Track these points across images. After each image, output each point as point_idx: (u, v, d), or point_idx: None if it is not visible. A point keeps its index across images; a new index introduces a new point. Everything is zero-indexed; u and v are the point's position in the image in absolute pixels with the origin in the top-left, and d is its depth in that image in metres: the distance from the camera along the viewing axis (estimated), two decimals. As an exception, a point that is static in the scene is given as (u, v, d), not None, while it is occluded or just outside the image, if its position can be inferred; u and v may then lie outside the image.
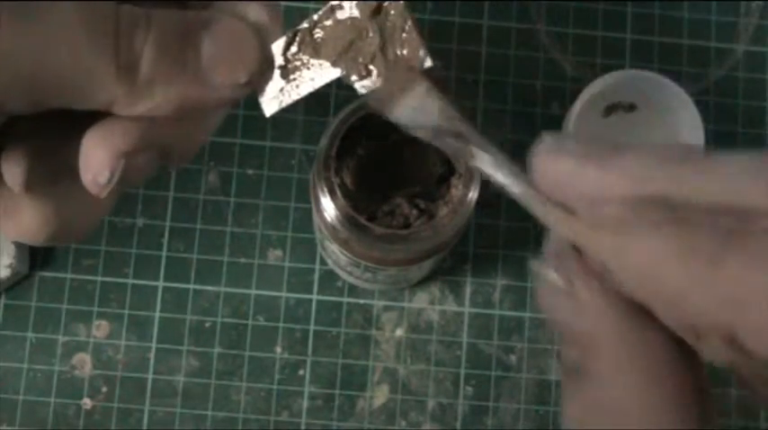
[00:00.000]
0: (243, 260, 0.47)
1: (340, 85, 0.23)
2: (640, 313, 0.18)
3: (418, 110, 0.22)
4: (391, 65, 0.22)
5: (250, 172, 0.48)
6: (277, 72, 0.22)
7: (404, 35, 0.21)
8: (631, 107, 0.48)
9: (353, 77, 0.22)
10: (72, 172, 0.20)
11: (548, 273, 0.19)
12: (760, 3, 0.51)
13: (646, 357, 0.18)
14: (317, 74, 0.22)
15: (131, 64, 0.19)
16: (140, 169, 0.21)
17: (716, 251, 0.16)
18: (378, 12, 0.21)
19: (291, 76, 0.22)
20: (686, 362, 0.18)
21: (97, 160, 0.20)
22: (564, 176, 0.19)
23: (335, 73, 0.22)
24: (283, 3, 0.49)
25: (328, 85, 0.22)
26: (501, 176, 0.21)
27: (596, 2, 0.51)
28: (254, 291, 0.47)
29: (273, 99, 0.22)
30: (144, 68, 0.19)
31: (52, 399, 0.46)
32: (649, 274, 0.17)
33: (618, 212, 0.18)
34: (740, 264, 0.16)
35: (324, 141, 0.35)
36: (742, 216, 0.16)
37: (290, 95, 0.22)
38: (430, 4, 0.50)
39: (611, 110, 0.48)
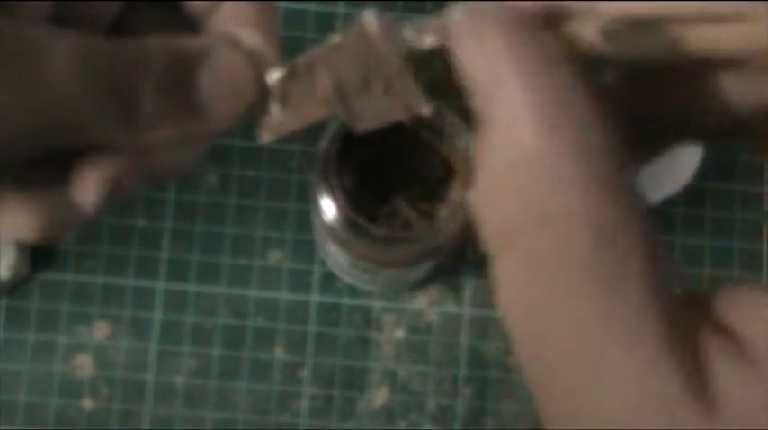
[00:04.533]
0: (243, 261, 0.47)
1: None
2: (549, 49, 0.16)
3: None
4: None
5: (250, 173, 0.48)
6: (275, 103, 0.22)
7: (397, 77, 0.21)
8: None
9: (348, 114, 0.22)
10: (64, 179, 0.21)
11: (455, 16, 0.18)
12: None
13: (548, 103, 0.16)
14: (314, 108, 0.22)
15: (130, 108, 0.19)
16: (127, 189, 0.21)
17: None
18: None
19: (288, 107, 0.22)
20: (595, 113, 0.16)
21: (87, 183, 0.20)
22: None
23: (332, 109, 0.22)
24: (283, 4, 0.49)
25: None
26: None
27: (595, 3, 0.51)
28: (253, 293, 0.47)
29: (270, 128, 0.22)
30: (144, 110, 0.19)
31: (53, 400, 0.46)
32: None
33: None
34: None
35: (324, 143, 0.35)
36: None
37: (286, 126, 0.22)
38: (429, 4, 0.50)
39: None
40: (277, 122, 0.22)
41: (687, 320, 0.15)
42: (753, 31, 0.16)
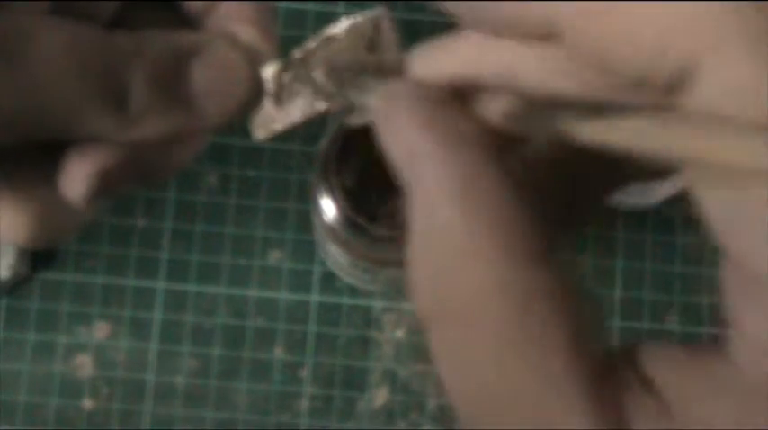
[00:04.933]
0: (243, 261, 0.47)
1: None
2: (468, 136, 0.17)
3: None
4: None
5: (250, 173, 0.48)
6: (269, 99, 0.22)
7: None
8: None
9: (343, 110, 0.22)
10: (54, 178, 0.20)
11: (368, 100, 0.19)
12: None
13: (462, 181, 0.16)
14: (309, 103, 0.22)
15: (121, 99, 0.19)
16: (118, 184, 0.21)
17: None
18: (373, 46, 0.21)
19: (283, 104, 0.22)
20: (511, 190, 0.16)
21: (75, 175, 0.20)
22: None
23: (327, 104, 0.22)
24: (283, 4, 0.49)
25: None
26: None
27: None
28: (253, 293, 0.47)
29: (264, 125, 0.22)
30: (134, 102, 0.19)
31: (53, 400, 0.46)
32: None
33: None
34: None
35: (324, 143, 0.35)
36: None
37: (281, 123, 0.22)
38: (430, 4, 0.50)
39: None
40: (271, 118, 0.22)
41: (610, 377, 0.16)
42: (648, 129, 0.15)
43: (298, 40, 0.23)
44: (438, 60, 0.19)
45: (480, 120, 0.18)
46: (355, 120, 0.21)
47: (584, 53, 0.16)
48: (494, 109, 0.18)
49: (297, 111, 0.22)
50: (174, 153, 0.22)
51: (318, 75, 0.21)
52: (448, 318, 0.16)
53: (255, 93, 0.21)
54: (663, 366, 0.16)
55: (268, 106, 0.22)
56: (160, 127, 0.20)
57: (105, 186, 0.20)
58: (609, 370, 0.16)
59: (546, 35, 0.16)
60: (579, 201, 0.21)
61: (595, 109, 0.16)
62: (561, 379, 0.15)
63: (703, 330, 0.48)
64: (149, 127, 0.20)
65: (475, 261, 0.16)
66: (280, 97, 0.22)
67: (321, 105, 0.22)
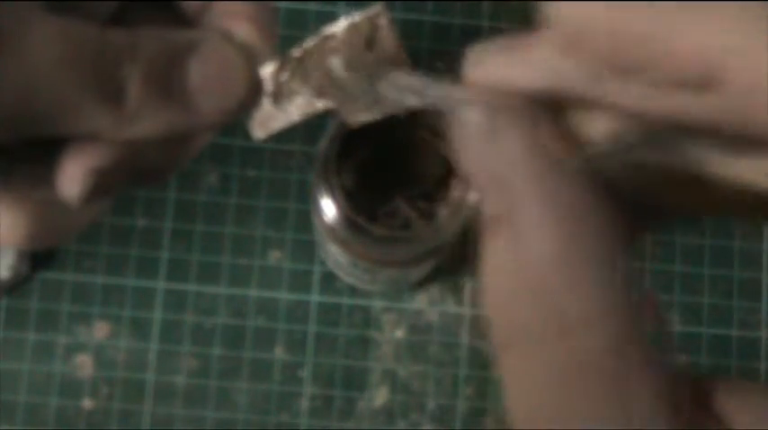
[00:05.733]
0: (243, 261, 0.47)
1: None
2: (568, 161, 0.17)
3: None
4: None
5: (250, 173, 0.48)
6: (267, 98, 0.22)
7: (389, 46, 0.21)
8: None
9: (342, 109, 0.21)
10: (51, 179, 0.20)
11: (468, 113, 0.17)
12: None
13: (566, 208, 0.16)
14: (307, 102, 0.22)
15: (116, 95, 0.19)
16: (115, 184, 0.21)
17: None
18: (371, 44, 0.21)
19: (281, 103, 0.22)
20: (608, 217, 0.16)
21: (71, 174, 0.20)
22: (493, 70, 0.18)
23: (325, 103, 0.22)
24: (283, 4, 0.49)
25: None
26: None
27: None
28: (253, 293, 0.47)
29: (262, 124, 0.22)
30: (130, 99, 0.19)
31: (53, 400, 0.46)
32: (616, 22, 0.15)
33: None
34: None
35: (324, 143, 0.35)
36: None
37: (279, 122, 0.22)
38: (430, 4, 0.50)
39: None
40: (270, 117, 0.22)
41: (690, 415, 0.16)
42: None
43: (298, 41, 0.23)
44: (505, 68, 0.18)
45: (572, 138, 0.18)
46: (352, 121, 0.21)
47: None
48: (595, 129, 0.18)
49: (295, 110, 0.22)
50: (174, 154, 0.22)
51: (346, 73, 0.21)
52: (540, 347, 0.16)
53: (253, 90, 0.21)
54: (741, 407, 0.16)
55: (266, 105, 0.22)
56: (157, 125, 0.20)
57: (102, 186, 0.20)
58: (686, 403, 0.16)
59: (698, 84, 0.15)
60: (646, 216, 0.21)
61: (726, 140, 0.16)
62: (644, 411, 0.15)
63: (703, 330, 0.48)
64: (146, 124, 0.20)
65: (569, 292, 0.16)
66: (278, 96, 0.22)
67: (319, 104, 0.22)
